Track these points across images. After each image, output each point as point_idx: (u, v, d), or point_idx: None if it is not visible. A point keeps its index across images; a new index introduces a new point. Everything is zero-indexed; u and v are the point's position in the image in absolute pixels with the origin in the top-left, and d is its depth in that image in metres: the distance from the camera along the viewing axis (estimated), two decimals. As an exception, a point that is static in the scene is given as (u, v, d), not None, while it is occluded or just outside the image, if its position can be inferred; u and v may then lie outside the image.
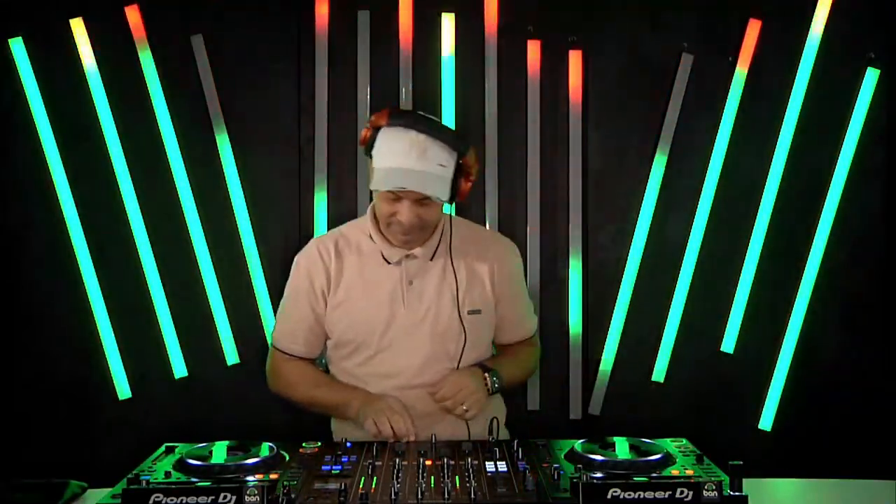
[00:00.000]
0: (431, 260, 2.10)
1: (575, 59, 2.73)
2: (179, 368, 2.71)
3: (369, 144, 1.99)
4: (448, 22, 2.71)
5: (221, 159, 2.69)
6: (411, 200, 1.95)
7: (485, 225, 2.70)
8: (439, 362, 2.08)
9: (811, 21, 2.69)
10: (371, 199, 2.13)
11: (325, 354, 2.23)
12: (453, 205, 2.15)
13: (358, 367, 2.12)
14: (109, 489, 1.59)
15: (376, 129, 1.97)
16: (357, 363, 2.12)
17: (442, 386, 2.03)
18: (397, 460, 1.73)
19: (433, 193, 1.93)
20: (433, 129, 1.95)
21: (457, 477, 1.64)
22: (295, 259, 2.19)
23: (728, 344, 2.75)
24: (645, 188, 2.74)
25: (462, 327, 2.07)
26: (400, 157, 1.92)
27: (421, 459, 1.72)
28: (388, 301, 2.08)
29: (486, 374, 2.08)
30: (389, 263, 2.09)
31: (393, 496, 1.54)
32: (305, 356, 2.17)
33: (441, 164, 1.93)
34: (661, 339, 2.76)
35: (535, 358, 2.34)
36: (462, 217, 2.27)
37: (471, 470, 1.66)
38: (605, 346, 2.76)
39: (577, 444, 1.76)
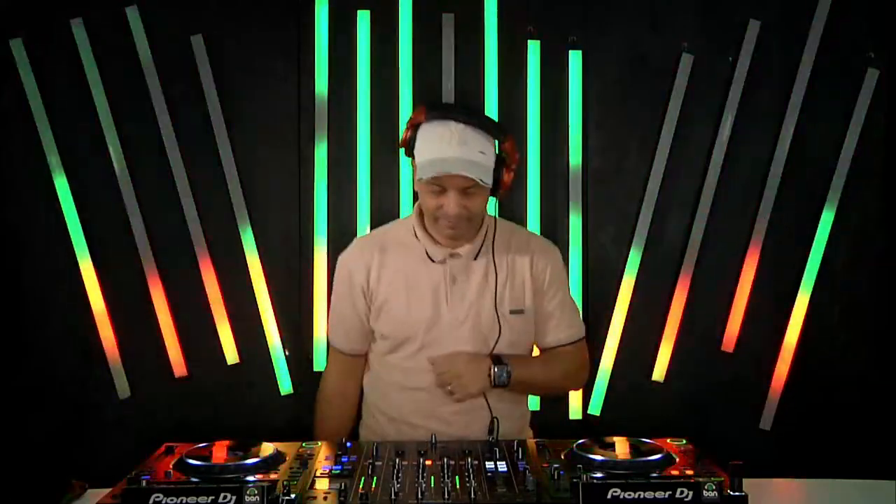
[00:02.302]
0: (475, 259, 2.12)
1: (575, 59, 2.73)
2: (179, 368, 2.71)
3: (410, 144, 2.03)
4: (448, 22, 2.71)
5: (221, 159, 2.69)
6: (456, 190, 1.96)
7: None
8: None
9: (811, 21, 2.69)
10: (415, 198, 2.13)
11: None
12: (497, 205, 2.19)
13: (403, 361, 2.13)
14: (109, 489, 1.59)
15: (415, 128, 2.01)
16: (402, 357, 2.14)
17: (438, 358, 2.06)
18: (397, 460, 1.73)
19: (476, 176, 1.94)
20: (471, 117, 1.99)
21: (457, 477, 1.64)
22: (339, 259, 2.23)
23: (728, 344, 2.75)
24: (645, 188, 2.74)
25: (498, 325, 2.08)
26: (441, 147, 1.94)
27: (421, 459, 1.73)
28: (431, 299, 2.09)
29: (494, 367, 2.06)
30: (434, 262, 2.10)
31: (393, 496, 1.54)
32: (351, 353, 2.22)
33: (481, 152, 1.96)
34: (661, 339, 2.76)
35: (573, 364, 2.25)
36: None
37: (471, 470, 1.66)
38: (605, 346, 2.76)
39: (577, 444, 1.76)
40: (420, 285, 2.10)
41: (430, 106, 2.04)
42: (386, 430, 2.15)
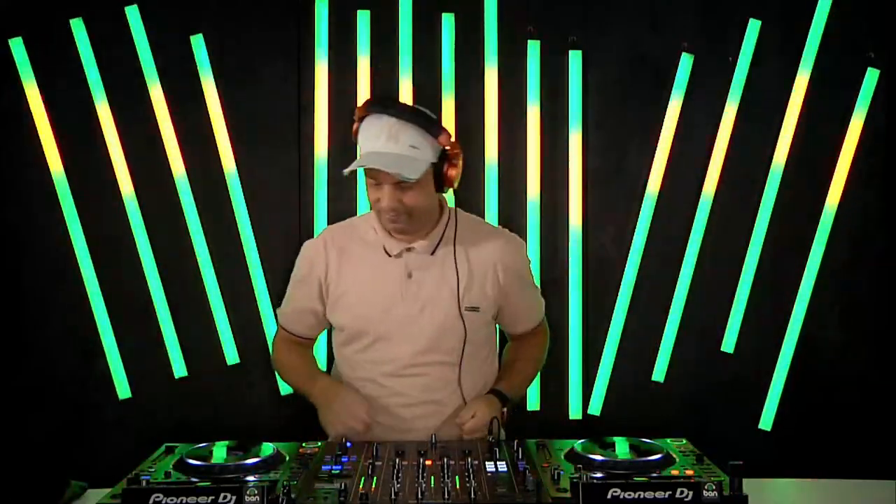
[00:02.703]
0: (433, 254, 2.11)
1: (575, 59, 2.73)
2: (179, 368, 2.71)
3: (356, 138, 2.05)
4: (448, 22, 2.71)
5: (221, 159, 2.69)
6: (390, 185, 1.97)
7: (485, 225, 2.70)
8: (434, 354, 2.09)
9: (811, 21, 2.69)
10: None
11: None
12: (450, 196, 2.17)
13: (356, 354, 2.14)
14: (109, 489, 1.59)
15: (361, 121, 2.03)
16: (355, 350, 2.14)
17: (476, 421, 2.04)
18: (397, 460, 1.73)
19: (398, 171, 1.94)
20: (405, 112, 1.99)
21: (457, 477, 1.64)
22: (304, 244, 2.23)
23: (728, 344, 2.75)
24: (645, 188, 2.74)
25: (462, 323, 2.08)
26: (372, 141, 1.97)
27: (421, 459, 1.73)
28: (387, 293, 2.10)
29: (505, 409, 2.10)
30: (390, 256, 2.11)
31: (393, 496, 1.54)
32: (299, 335, 2.24)
33: (413, 146, 1.96)
34: (661, 339, 2.76)
35: (545, 346, 2.34)
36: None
37: (471, 470, 1.66)
38: (605, 346, 2.76)
39: (577, 444, 1.76)
40: (377, 279, 2.11)
41: (372, 99, 2.08)
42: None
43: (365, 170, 1.97)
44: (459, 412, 2.06)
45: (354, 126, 2.04)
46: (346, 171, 1.99)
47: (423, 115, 2.02)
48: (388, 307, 2.09)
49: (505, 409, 2.10)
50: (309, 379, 2.19)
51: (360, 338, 2.13)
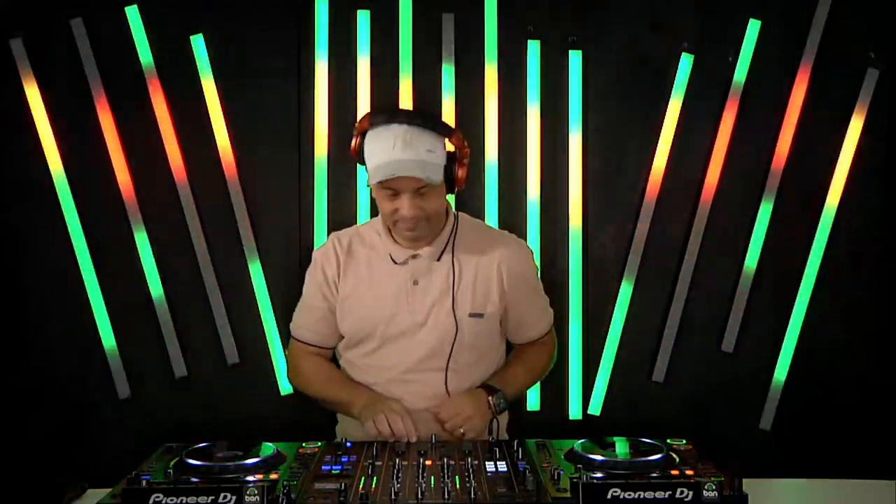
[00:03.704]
0: (438, 260, 2.11)
1: (575, 59, 2.73)
2: (179, 368, 2.71)
3: (359, 152, 2.03)
4: (448, 22, 2.71)
5: (221, 159, 2.69)
6: (409, 193, 1.96)
7: (485, 225, 2.70)
8: (436, 359, 2.09)
9: (811, 21, 2.69)
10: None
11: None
12: (453, 199, 2.16)
13: (361, 358, 2.15)
14: (109, 489, 1.59)
15: (362, 135, 2.01)
16: (360, 354, 2.15)
17: (442, 408, 2.04)
18: (397, 460, 1.73)
19: (425, 175, 1.94)
20: (413, 118, 1.98)
21: (457, 477, 1.64)
22: (313, 254, 2.22)
23: (728, 344, 2.75)
24: (645, 188, 2.74)
25: (456, 327, 2.08)
26: (387, 151, 1.94)
27: (421, 459, 1.73)
28: (392, 299, 2.10)
29: (491, 397, 2.07)
30: (396, 263, 2.10)
31: (393, 496, 1.54)
32: (319, 345, 2.20)
33: (429, 150, 1.96)
34: (661, 339, 2.76)
35: (549, 357, 2.32)
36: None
37: (471, 470, 1.66)
38: (605, 346, 2.76)
39: (577, 444, 1.76)
40: (382, 285, 2.11)
41: (374, 112, 2.04)
42: (356, 432, 2.11)
43: (378, 183, 1.95)
44: (443, 406, 2.04)
45: (354, 142, 2.02)
46: (373, 182, 1.96)
47: (433, 118, 2.03)
48: (394, 314, 2.09)
49: (491, 399, 2.06)
50: (345, 385, 2.14)
51: (366, 342, 2.13)
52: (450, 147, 2.03)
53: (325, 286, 2.15)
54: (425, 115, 2.02)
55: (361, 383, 2.15)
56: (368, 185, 2.00)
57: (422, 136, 1.95)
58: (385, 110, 2.05)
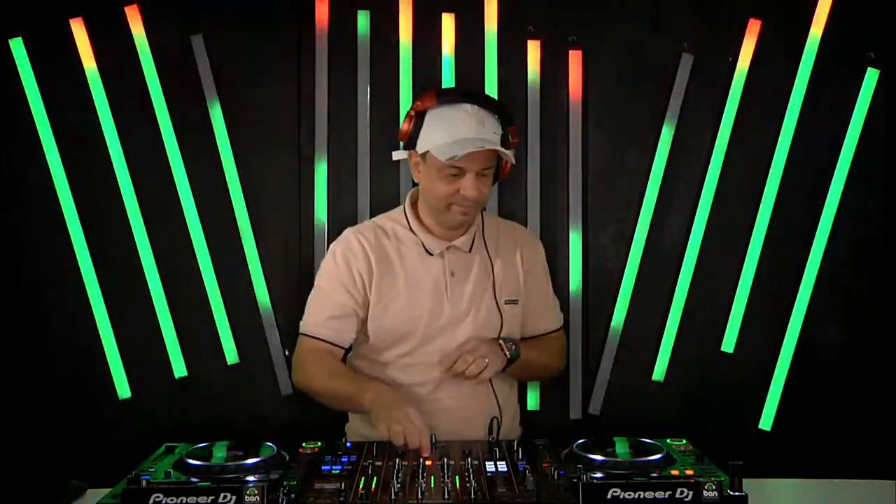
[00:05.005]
0: (470, 251, 2.12)
1: (575, 59, 2.73)
2: (179, 368, 2.71)
3: (413, 132, 2.01)
4: (448, 22, 2.71)
5: (221, 159, 2.69)
6: (474, 173, 1.96)
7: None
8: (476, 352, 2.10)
9: (811, 21, 2.69)
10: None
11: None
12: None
13: (400, 357, 2.11)
14: (109, 489, 1.60)
15: (421, 115, 2.00)
16: (398, 353, 2.12)
17: (462, 352, 2.04)
18: (397, 460, 1.73)
19: (506, 154, 1.97)
20: (482, 100, 2.01)
21: (457, 477, 1.64)
22: (330, 248, 2.19)
23: (728, 344, 2.75)
24: (645, 188, 2.74)
25: (500, 316, 2.08)
26: (460, 128, 1.94)
27: (421, 459, 1.73)
28: (432, 293, 2.09)
29: (501, 341, 2.08)
30: (431, 255, 2.09)
31: (393, 496, 1.54)
32: (333, 342, 2.12)
33: (495, 133, 1.99)
34: (661, 339, 2.76)
35: (559, 348, 2.34)
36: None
37: (471, 470, 1.66)
38: (605, 346, 2.76)
39: (577, 444, 1.76)
40: (420, 279, 2.09)
41: (440, 91, 2.04)
42: (365, 430, 2.11)
43: (449, 160, 1.92)
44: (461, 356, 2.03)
45: (407, 123, 2.00)
46: (460, 153, 1.91)
47: (500, 104, 2.05)
48: (436, 308, 2.08)
49: (502, 342, 2.08)
50: (352, 377, 2.09)
51: (406, 340, 2.09)
52: (513, 136, 2.07)
53: (352, 284, 2.09)
54: (491, 99, 2.05)
55: (370, 375, 2.11)
56: (435, 164, 1.96)
57: (489, 118, 1.98)
58: (453, 90, 2.08)
